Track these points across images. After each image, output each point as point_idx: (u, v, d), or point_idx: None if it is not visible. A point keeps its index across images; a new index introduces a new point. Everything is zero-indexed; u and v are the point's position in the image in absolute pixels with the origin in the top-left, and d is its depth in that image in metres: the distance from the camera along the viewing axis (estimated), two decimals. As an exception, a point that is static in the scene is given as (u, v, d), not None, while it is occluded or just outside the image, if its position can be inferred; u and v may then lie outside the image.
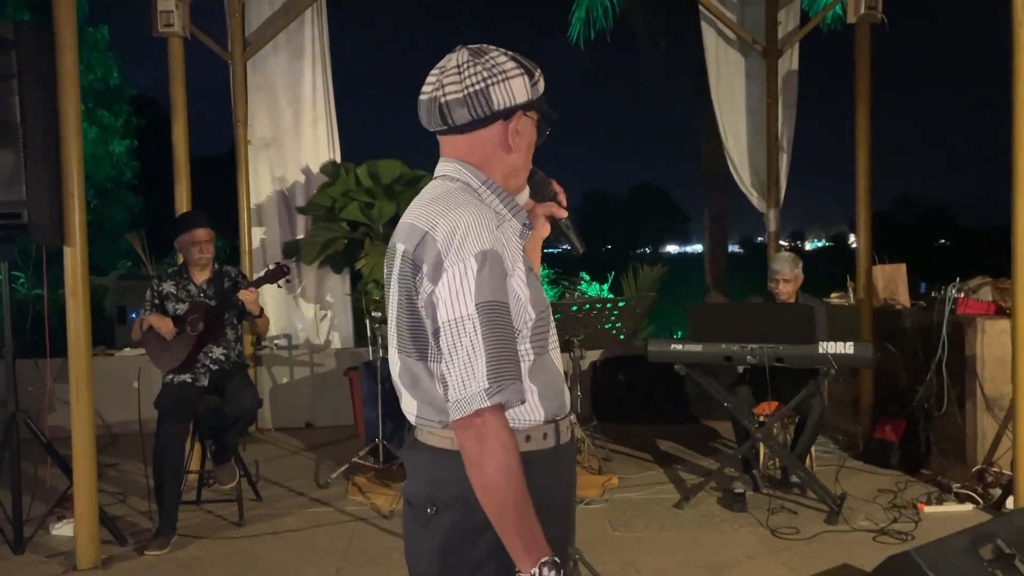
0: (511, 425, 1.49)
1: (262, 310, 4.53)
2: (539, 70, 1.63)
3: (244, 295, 4.38)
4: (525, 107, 1.61)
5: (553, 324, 1.67)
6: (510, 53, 1.61)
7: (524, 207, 1.70)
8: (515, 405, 1.49)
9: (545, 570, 1.43)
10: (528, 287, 1.56)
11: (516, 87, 1.58)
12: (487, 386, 1.43)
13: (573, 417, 1.73)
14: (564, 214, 1.78)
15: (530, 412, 1.59)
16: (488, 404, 1.43)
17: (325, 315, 7.13)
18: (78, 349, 3.88)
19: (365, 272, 6.38)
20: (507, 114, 1.59)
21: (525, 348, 1.57)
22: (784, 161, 7.09)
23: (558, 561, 1.45)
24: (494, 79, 1.56)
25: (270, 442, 6.47)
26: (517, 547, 1.45)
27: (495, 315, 1.46)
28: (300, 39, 6.86)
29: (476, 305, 1.46)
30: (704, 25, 7.12)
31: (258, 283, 4.53)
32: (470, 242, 1.48)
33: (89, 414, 3.91)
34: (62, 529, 4.30)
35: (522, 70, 1.59)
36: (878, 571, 2.88)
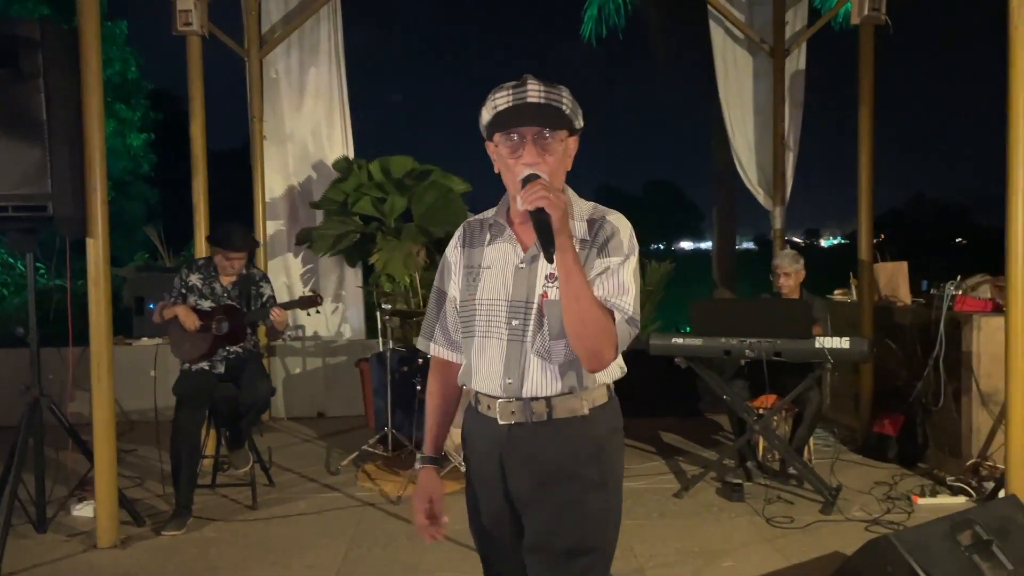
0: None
1: (287, 326, 4.69)
2: (496, 97, 1.81)
3: (277, 315, 4.52)
4: (486, 134, 1.85)
5: (488, 316, 1.87)
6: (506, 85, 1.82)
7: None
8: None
9: (417, 464, 2.03)
10: (460, 284, 1.92)
11: (482, 118, 1.86)
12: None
13: (515, 407, 1.84)
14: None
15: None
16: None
17: (337, 307, 7.28)
18: (99, 336, 4.03)
19: (379, 266, 6.50)
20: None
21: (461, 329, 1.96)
22: (791, 160, 7.16)
23: (429, 457, 2.01)
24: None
25: (283, 430, 6.63)
26: None
27: (432, 293, 2.02)
28: (315, 37, 7.00)
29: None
30: (712, 24, 7.20)
31: (289, 306, 4.70)
32: None
33: (110, 398, 4.07)
34: (82, 510, 4.47)
35: (486, 103, 1.83)
36: (859, 554, 2.99)
